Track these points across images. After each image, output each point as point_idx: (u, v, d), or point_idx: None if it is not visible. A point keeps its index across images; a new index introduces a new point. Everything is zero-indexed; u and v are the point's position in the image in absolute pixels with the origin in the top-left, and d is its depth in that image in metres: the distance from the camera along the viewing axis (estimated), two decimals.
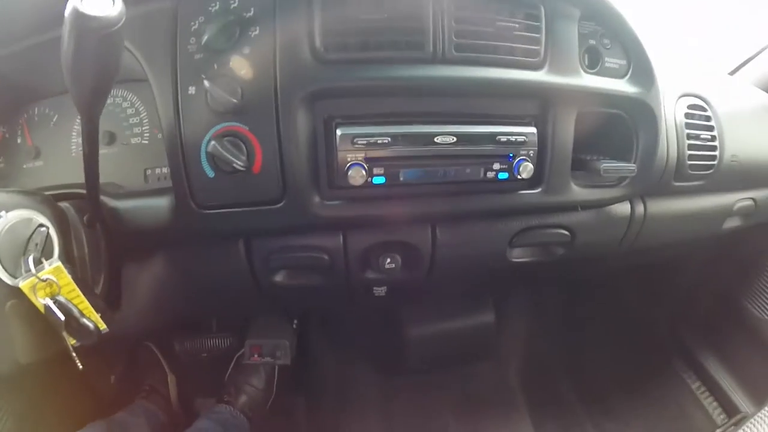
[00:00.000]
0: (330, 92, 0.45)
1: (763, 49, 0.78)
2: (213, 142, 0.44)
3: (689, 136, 0.60)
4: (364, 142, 0.45)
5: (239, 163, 0.44)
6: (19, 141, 0.65)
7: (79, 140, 0.62)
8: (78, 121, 0.61)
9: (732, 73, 0.81)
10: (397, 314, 0.80)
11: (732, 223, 0.71)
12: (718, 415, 0.91)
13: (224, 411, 0.77)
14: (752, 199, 0.71)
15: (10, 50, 0.55)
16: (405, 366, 0.88)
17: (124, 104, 0.59)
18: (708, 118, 0.63)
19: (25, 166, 0.64)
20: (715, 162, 0.63)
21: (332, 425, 0.86)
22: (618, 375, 0.91)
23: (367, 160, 0.45)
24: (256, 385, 0.81)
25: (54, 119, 0.63)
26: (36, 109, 0.64)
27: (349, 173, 0.45)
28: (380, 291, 0.63)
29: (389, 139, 0.45)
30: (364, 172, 0.45)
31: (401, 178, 0.47)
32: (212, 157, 0.45)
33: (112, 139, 0.59)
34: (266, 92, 0.45)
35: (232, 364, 0.82)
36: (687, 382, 0.92)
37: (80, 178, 0.56)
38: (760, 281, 0.85)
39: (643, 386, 0.94)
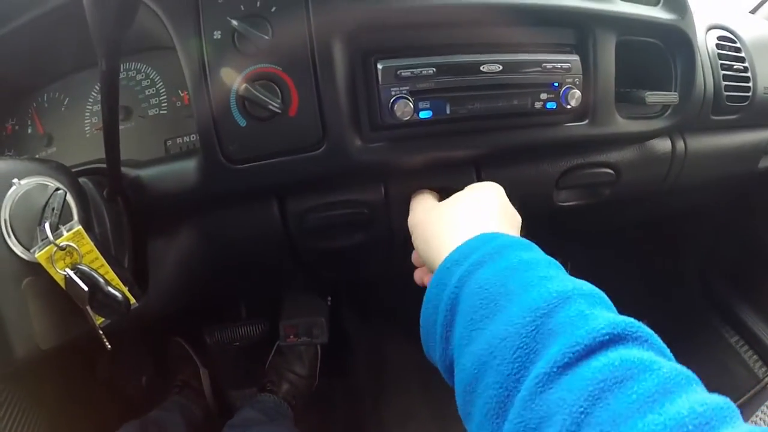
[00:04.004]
0: (368, 26, 0.40)
1: None
2: (245, 86, 0.39)
3: (722, 67, 0.57)
4: (408, 74, 0.40)
5: (274, 104, 0.39)
6: (29, 131, 0.59)
7: (93, 120, 0.56)
8: (91, 99, 0.56)
9: (753, 11, 0.78)
10: None
11: (767, 161, 0.67)
12: (759, 368, 0.85)
13: (268, 400, 0.69)
14: None
15: (8, 29, 0.50)
16: None
17: (138, 77, 0.54)
18: (738, 50, 0.60)
19: (37, 156, 0.58)
20: (749, 94, 0.59)
21: (371, 405, 0.78)
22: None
23: (411, 93, 0.40)
24: (299, 373, 0.74)
25: (65, 102, 0.57)
26: (45, 96, 0.58)
27: (395, 108, 0.39)
28: None
29: (434, 69, 0.40)
30: (410, 106, 0.40)
31: (448, 111, 0.41)
32: (244, 104, 0.39)
33: (128, 113, 0.53)
34: (299, 30, 0.39)
35: (273, 351, 0.75)
36: (725, 337, 0.86)
37: (96, 158, 0.51)
38: None
39: (679, 343, 0.87)
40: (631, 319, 0.23)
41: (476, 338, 0.25)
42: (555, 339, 0.22)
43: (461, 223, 0.33)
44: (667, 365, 0.21)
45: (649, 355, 0.21)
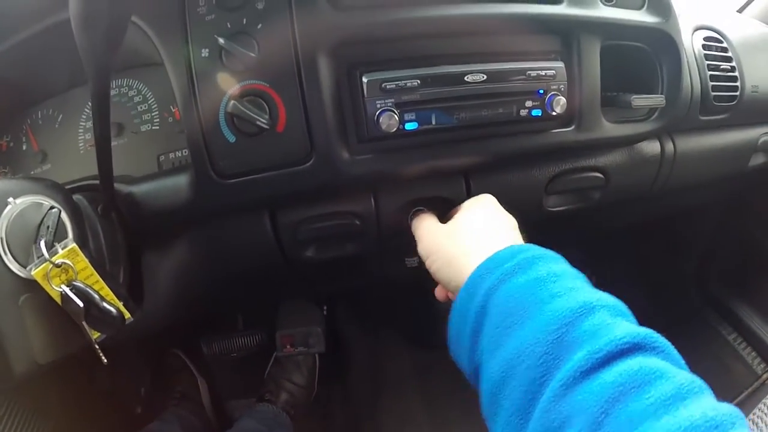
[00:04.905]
0: (352, 40, 0.41)
1: None
2: (233, 102, 0.40)
3: (709, 67, 0.58)
4: (393, 86, 0.40)
5: (262, 120, 0.40)
6: (24, 148, 0.60)
7: (87, 136, 0.57)
8: (84, 116, 0.57)
9: (740, 10, 0.79)
10: (427, 285, 0.74)
11: (757, 160, 0.68)
12: (758, 365, 0.86)
13: (266, 410, 0.70)
14: None
15: (6, 45, 0.51)
16: (439, 339, 0.81)
17: (131, 93, 0.55)
18: (725, 50, 0.60)
19: (32, 173, 0.59)
20: (737, 93, 0.60)
21: (369, 411, 0.79)
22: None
23: (397, 105, 0.41)
24: (297, 382, 0.74)
25: (59, 119, 0.58)
26: (39, 113, 0.59)
27: (380, 120, 0.40)
28: (412, 262, 0.58)
29: (418, 81, 0.41)
30: (396, 118, 0.41)
31: (434, 122, 0.42)
32: (232, 120, 0.40)
33: (120, 130, 0.54)
34: (285, 46, 0.40)
35: (271, 361, 0.75)
36: (722, 334, 0.87)
37: (90, 174, 0.52)
38: None
39: (676, 342, 0.88)
40: (651, 331, 0.25)
41: (504, 343, 0.26)
42: (579, 346, 0.24)
43: (481, 240, 0.34)
44: (682, 374, 0.23)
45: (666, 364, 0.23)
